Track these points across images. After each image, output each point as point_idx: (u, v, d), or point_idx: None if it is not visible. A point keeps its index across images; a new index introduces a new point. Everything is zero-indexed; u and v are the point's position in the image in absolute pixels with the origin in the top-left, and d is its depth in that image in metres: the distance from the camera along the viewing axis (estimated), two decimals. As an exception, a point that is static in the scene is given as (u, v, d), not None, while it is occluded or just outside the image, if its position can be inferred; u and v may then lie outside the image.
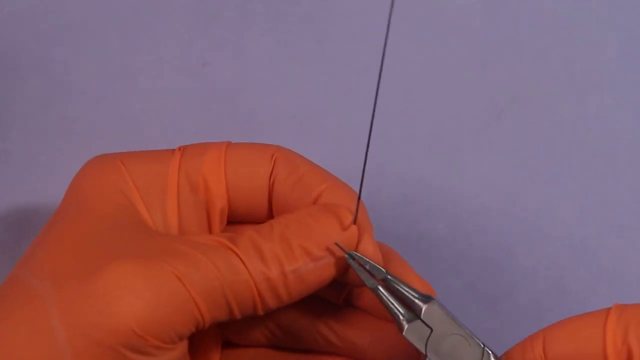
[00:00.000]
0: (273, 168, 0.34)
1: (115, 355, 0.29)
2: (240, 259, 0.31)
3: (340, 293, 0.35)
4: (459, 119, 0.45)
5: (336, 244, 0.32)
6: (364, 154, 0.32)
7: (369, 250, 0.33)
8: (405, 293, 0.32)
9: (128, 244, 0.31)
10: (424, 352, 0.32)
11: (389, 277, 0.32)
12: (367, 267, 0.32)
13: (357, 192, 0.33)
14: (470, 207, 0.44)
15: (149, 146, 0.44)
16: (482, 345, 0.32)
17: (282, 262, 0.31)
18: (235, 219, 0.35)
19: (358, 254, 0.32)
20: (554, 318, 0.44)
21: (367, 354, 0.35)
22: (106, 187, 0.33)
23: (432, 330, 0.32)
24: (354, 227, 0.32)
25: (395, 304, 0.32)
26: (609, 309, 0.31)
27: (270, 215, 0.35)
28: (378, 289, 0.32)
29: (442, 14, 0.45)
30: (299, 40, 0.45)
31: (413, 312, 0.32)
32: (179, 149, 0.35)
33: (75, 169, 0.44)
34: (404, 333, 0.32)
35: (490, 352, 0.32)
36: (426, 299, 0.32)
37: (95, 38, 0.44)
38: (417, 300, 0.32)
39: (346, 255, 0.32)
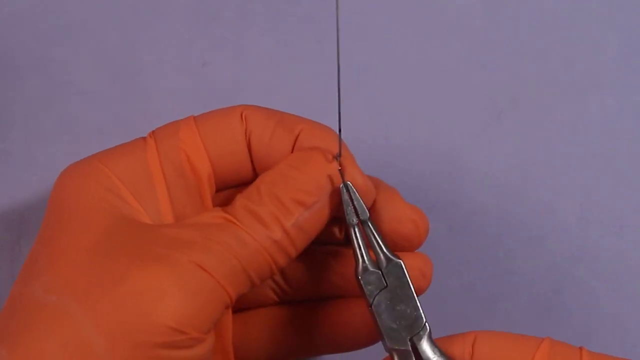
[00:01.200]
0: (246, 127, 0.34)
1: (158, 355, 0.29)
2: (245, 230, 0.31)
3: (340, 229, 0.35)
4: (459, 119, 0.45)
5: (339, 170, 0.33)
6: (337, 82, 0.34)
7: (357, 179, 0.33)
8: (376, 245, 0.33)
9: (137, 245, 0.31)
10: (369, 302, 0.32)
11: (369, 223, 0.33)
12: (356, 204, 0.32)
13: (333, 129, 0.34)
14: (470, 207, 0.44)
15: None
16: (424, 320, 0.32)
17: (281, 220, 0.31)
18: (223, 186, 0.35)
19: (351, 186, 0.33)
20: (553, 318, 0.44)
21: None
22: (92, 189, 0.33)
23: (386, 286, 0.32)
24: (336, 162, 0.33)
25: (363, 249, 0.32)
26: (542, 340, 0.32)
27: (255, 173, 0.35)
28: (353, 228, 0.33)
29: (442, 14, 0.45)
30: (299, 40, 0.45)
31: (377, 264, 0.32)
32: (150, 135, 0.34)
33: (75, 169, 0.44)
34: (358, 277, 0.32)
35: (428, 328, 0.32)
36: (394, 258, 0.32)
37: (95, 38, 0.44)
38: (383, 256, 0.32)
39: (341, 186, 0.33)
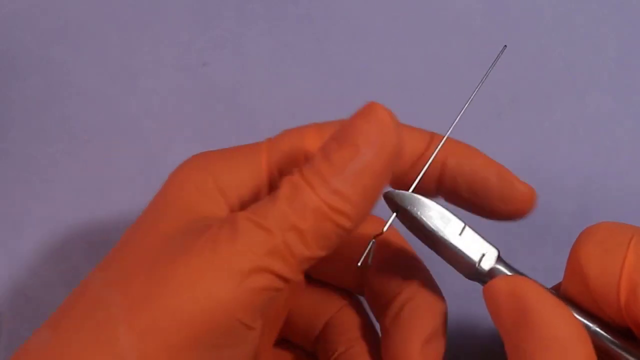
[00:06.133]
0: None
1: (191, 355, 0.28)
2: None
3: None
4: (459, 118, 0.45)
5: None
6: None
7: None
8: None
9: (192, 244, 0.29)
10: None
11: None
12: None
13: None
14: (470, 207, 0.44)
15: (148, 147, 0.44)
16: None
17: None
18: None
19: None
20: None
21: None
22: (189, 190, 0.32)
23: None
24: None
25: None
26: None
27: None
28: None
29: (442, 14, 0.45)
30: (299, 40, 0.45)
31: None
32: (268, 142, 0.33)
33: (75, 169, 0.44)
34: None
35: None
36: None
37: (95, 38, 0.44)
38: None
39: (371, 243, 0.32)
